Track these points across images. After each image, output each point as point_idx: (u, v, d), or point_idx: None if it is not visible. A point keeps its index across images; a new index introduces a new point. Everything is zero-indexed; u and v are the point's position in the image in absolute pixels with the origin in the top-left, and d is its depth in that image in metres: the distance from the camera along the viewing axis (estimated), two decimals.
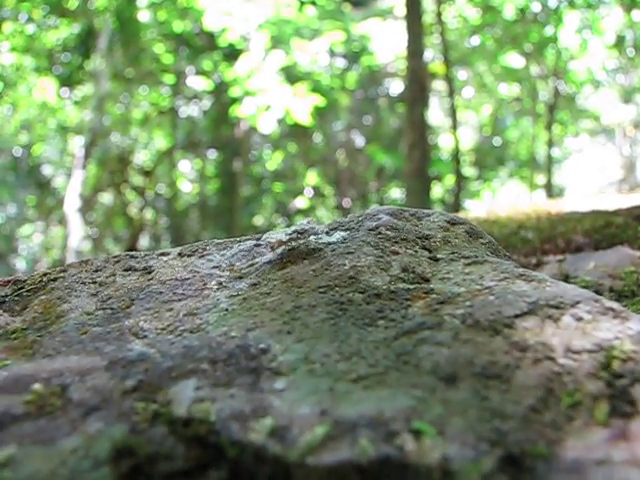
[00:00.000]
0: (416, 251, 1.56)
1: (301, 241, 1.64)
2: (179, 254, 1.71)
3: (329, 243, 1.62)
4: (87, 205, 15.52)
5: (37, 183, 17.81)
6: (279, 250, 1.62)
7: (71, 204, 13.06)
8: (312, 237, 1.65)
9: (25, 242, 19.06)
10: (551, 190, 13.71)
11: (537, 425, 0.96)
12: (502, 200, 17.25)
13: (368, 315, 1.29)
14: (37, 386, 1.15)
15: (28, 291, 1.58)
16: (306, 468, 0.92)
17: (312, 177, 18.35)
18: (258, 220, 19.35)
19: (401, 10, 12.19)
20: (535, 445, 0.92)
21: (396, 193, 18.62)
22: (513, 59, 14.88)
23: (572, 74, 15.20)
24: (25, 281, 1.63)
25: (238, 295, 1.45)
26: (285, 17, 13.05)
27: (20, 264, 17.84)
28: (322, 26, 13.45)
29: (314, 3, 14.11)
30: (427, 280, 1.42)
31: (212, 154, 19.25)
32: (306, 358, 1.16)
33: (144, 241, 18.53)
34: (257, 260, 1.62)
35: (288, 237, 1.65)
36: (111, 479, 0.94)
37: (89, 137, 13.77)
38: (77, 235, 13.16)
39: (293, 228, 1.68)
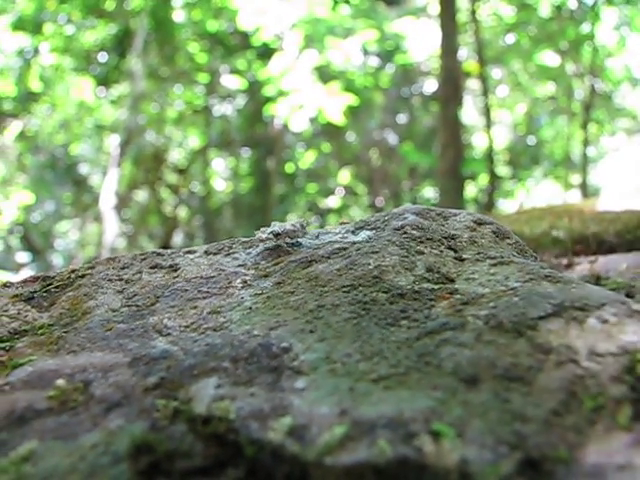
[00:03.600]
0: (441, 251, 1.55)
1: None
2: (205, 252, 1.72)
3: (354, 242, 1.62)
4: (122, 203, 15.67)
5: (74, 181, 18.03)
6: (260, 247, 1.70)
7: (107, 201, 13.21)
8: (287, 239, 1.70)
9: (62, 238, 19.30)
10: (586, 190, 13.49)
11: (558, 429, 0.94)
12: (536, 200, 17.04)
13: (391, 315, 1.28)
14: (60, 382, 1.16)
15: (56, 287, 1.60)
16: (323, 468, 0.92)
17: (345, 176, 18.33)
18: (291, 218, 19.34)
19: (435, 8, 12.12)
20: (556, 449, 0.91)
21: (429, 192, 18.51)
22: (548, 57, 14.70)
23: (609, 72, 14.97)
24: (54, 277, 1.65)
25: (262, 294, 1.45)
26: (319, 16, 13.05)
27: (57, 260, 18.06)
28: (355, 25, 13.42)
29: (348, 2, 14.08)
30: (452, 280, 1.41)
31: (246, 152, 19.31)
32: (327, 357, 1.16)
33: (178, 238, 18.66)
34: (282, 259, 1.62)
35: (266, 237, 1.69)
36: (129, 475, 0.94)
37: (124, 135, 13.92)
38: (112, 232, 13.30)
39: (270, 229, 1.72)
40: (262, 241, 1.70)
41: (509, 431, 0.94)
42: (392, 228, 1.65)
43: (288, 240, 1.69)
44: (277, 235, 1.68)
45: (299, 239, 1.71)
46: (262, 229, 1.75)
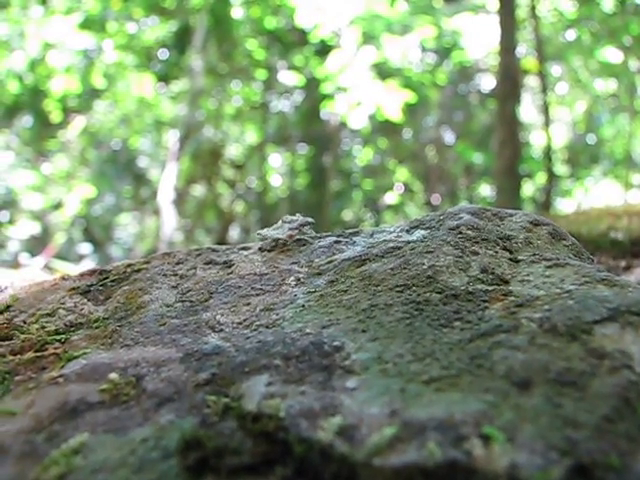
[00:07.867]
0: (497, 252, 1.53)
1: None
2: (259, 249, 1.73)
3: (409, 241, 1.61)
4: (180, 197, 15.87)
5: (133, 175, 18.35)
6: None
7: (165, 196, 13.38)
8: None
9: (121, 231, 19.64)
10: None
11: (610, 435, 0.92)
12: (595, 200, 16.67)
13: (444, 316, 1.27)
14: (113, 375, 1.18)
15: (112, 281, 1.63)
16: (372, 469, 0.92)
17: (402, 173, 18.23)
18: (347, 215, 19.36)
19: (494, 4, 11.97)
20: (607, 456, 0.89)
21: (486, 190, 18.29)
22: (611, 53, 14.36)
23: None
24: (110, 271, 1.68)
25: (315, 291, 1.45)
26: (377, 12, 12.99)
27: (116, 252, 18.39)
28: (413, 21, 13.33)
29: None
30: (506, 282, 1.39)
31: (302, 148, 19.37)
32: (379, 357, 1.16)
33: (234, 233, 18.82)
34: (336, 257, 1.62)
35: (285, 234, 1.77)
36: (178, 470, 0.96)
37: (183, 131, 14.09)
38: (170, 226, 13.47)
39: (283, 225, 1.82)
40: (274, 240, 1.76)
41: (560, 436, 0.92)
42: (447, 228, 1.64)
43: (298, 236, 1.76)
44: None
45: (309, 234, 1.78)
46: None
